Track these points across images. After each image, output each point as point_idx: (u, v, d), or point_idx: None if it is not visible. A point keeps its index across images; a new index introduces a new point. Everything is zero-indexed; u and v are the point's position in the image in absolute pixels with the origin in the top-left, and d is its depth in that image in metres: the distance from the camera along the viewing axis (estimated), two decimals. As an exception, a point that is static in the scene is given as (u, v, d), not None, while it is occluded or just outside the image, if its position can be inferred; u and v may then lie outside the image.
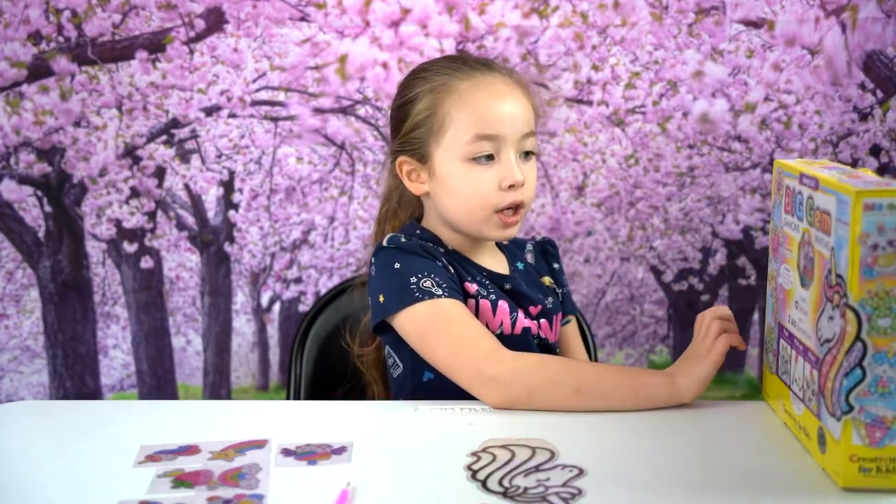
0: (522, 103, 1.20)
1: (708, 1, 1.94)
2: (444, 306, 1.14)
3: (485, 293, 1.21)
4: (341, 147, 2.01)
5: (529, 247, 1.36)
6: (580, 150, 2.02)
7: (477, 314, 1.19)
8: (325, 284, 2.06)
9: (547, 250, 1.37)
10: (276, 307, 2.09)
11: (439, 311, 1.14)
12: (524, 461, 0.96)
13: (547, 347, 1.27)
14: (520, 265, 1.31)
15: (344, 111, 1.98)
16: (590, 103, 1.99)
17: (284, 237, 2.06)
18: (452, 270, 1.20)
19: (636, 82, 1.98)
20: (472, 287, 1.21)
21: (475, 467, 0.95)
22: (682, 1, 1.93)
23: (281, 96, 1.96)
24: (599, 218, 2.05)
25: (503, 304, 1.21)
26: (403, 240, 1.21)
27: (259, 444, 0.99)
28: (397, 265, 1.17)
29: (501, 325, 1.21)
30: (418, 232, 1.26)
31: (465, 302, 1.18)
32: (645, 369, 1.15)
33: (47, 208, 2.00)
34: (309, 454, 0.97)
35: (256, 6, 1.91)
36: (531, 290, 1.28)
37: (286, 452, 0.98)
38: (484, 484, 0.91)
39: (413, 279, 1.15)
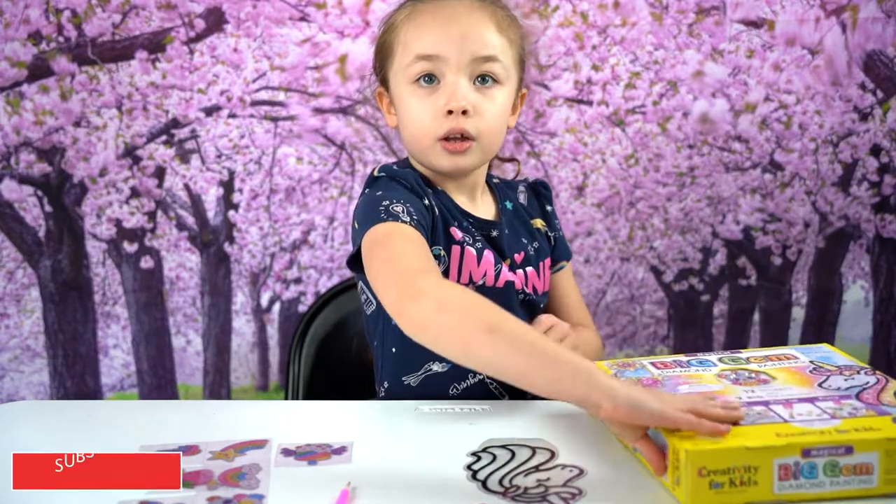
0: (481, 25, 1.14)
1: (708, 1, 1.94)
2: (402, 229, 1.06)
3: (470, 241, 1.18)
4: (341, 147, 2.01)
5: (522, 188, 1.32)
6: (580, 150, 2.02)
7: (461, 262, 1.16)
8: (325, 284, 2.06)
9: (540, 192, 1.33)
10: (276, 307, 2.09)
11: (396, 230, 1.06)
12: (524, 461, 0.96)
13: (531, 304, 1.24)
14: (509, 205, 1.27)
15: (344, 111, 1.98)
16: (590, 103, 1.99)
17: (284, 237, 2.06)
18: (438, 212, 1.16)
19: (636, 82, 1.98)
20: (458, 233, 1.17)
21: (475, 467, 0.95)
22: (682, 1, 1.93)
23: (281, 96, 1.96)
24: (599, 218, 2.05)
25: (488, 255, 1.18)
26: (396, 168, 1.18)
27: (259, 444, 0.99)
28: (379, 192, 1.12)
29: (485, 276, 1.18)
30: (409, 170, 1.23)
31: (450, 248, 1.16)
32: (575, 361, 0.89)
33: (47, 208, 2.00)
34: (309, 454, 0.97)
35: (256, 6, 1.91)
36: (517, 235, 1.25)
37: (286, 452, 0.98)
38: (484, 484, 0.91)
39: (385, 202, 1.09)
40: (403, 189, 1.14)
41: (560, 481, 0.92)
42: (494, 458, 0.97)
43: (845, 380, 0.99)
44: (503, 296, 1.18)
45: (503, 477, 0.93)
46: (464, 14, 1.15)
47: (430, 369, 1.20)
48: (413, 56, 1.14)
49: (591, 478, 0.92)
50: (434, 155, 1.16)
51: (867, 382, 0.98)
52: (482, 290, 1.15)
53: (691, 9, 1.94)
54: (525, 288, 1.22)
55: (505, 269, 1.20)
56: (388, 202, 1.09)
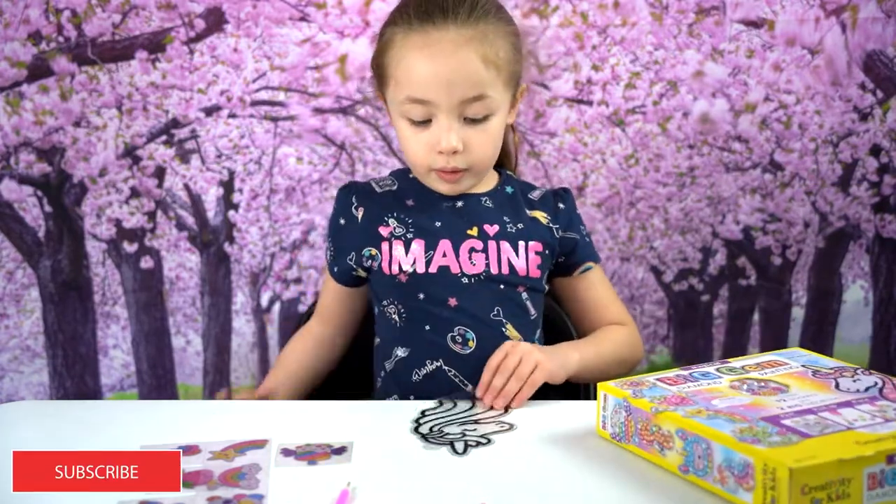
0: (467, 66, 1.14)
1: (708, 1, 1.94)
2: (327, 273, 1.34)
3: (402, 231, 1.24)
4: (341, 147, 2.01)
5: (542, 191, 1.34)
6: (580, 150, 2.02)
7: (391, 255, 1.24)
8: (325, 284, 2.06)
9: (557, 193, 1.34)
10: (276, 307, 2.09)
11: (326, 275, 1.35)
12: (464, 410, 1.05)
13: (497, 281, 1.23)
14: (508, 189, 1.30)
15: (344, 111, 1.98)
16: (590, 103, 1.99)
17: (284, 237, 2.06)
18: (365, 218, 1.26)
19: (636, 82, 1.98)
20: (387, 229, 1.25)
21: (422, 420, 1.04)
22: (682, 1, 1.93)
23: (281, 96, 1.96)
24: (599, 218, 2.05)
25: (418, 243, 1.23)
26: (344, 194, 1.31)
27: (259, 444, 0.99)
28: (329, 221, 1.34)
29: (414, 263, 1.22)
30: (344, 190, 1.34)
31: (380, 245, 1.24)
32: None
33: (47, 208, 2.00)
34: (309, 454, 0.97)
35: (256, 6, 1.91)
36: (501, 210, 1.26)
37: (286, 452, 0.98)
38: (416, 429, 1.00)
39: (327, 244, 1.33)
40: (334, 218, 1.31)
41: (483, 432, 0.99)
42: (450, 408, 1.07)
43: (853, 381, 0.98)
44: (436, 282, 1.22)
45: (435, 425, 1.01)
46: (449, 54, 1.14)
47: (396, 354, 1.25)
48: (405, 97, 1.18)
49: (515, 433, 0.98)
50: (430, 180, 1.24)
51: (874, 382, 0.97)
52: (414, 277, 1.22)
53: (691, 9, 1.94)
54: (464, 267, 1.22)
55: (443, 253, 1.22)
56: (327, 244, 1.33)
